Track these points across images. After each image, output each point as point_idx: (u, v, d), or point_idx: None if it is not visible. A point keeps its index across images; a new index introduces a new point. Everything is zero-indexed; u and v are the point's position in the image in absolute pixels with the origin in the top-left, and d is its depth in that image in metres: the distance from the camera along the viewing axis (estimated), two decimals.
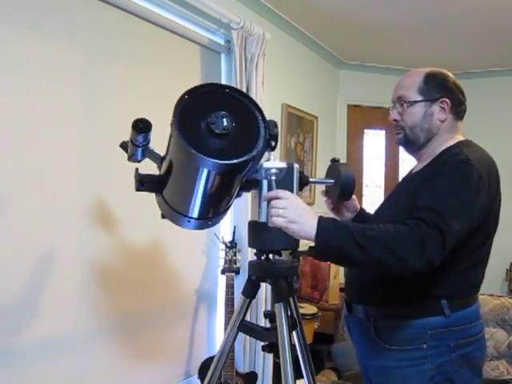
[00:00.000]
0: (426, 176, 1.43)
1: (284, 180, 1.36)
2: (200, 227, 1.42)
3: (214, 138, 1.14)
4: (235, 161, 1.12)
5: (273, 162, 1.21)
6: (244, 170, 1.17)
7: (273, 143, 1.19)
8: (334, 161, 1.57)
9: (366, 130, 4.51)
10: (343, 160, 4.22)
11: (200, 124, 1.15)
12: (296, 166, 1.42)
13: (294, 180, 1.40)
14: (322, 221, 1.27)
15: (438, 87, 1.49)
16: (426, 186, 1.38)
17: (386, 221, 1.46)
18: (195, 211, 1.33)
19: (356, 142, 4.48)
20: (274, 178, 1.22)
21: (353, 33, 3.57)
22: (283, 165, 1.22)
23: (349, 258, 1.28)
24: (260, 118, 1.19)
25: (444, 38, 3.59)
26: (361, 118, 4.44)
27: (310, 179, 1.48)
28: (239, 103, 1.20)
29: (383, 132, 4.50)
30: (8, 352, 1.69)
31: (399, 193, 1.58)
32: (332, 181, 1.53)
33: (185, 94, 1.18)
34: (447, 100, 1.48)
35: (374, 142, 4.53)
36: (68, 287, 1.89)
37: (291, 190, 1.38)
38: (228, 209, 1.41)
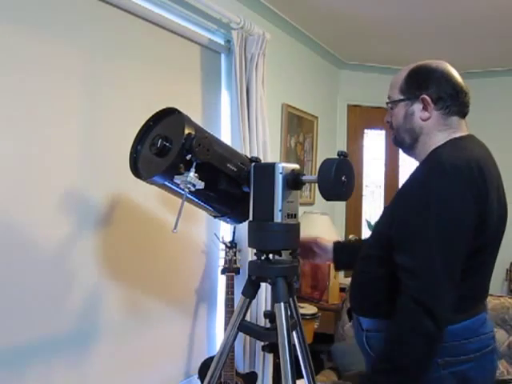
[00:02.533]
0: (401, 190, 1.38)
1: (264, 180, 1.36)
2: (236, 221, 1.56)
3: (158, 157, 1.31)
4: (163, 169, 1.29)
5: (186, 175, 1.28)
6: (175, 173, 1.30)
7: (188, 156, 1.27)
8: (338, 155, 1.37)
9: (366, 130, 4.50)
10: None
11: (146, 152, 1.36)
12: (281, 165, 1.38)
13: (274, 180, 1.37)
14: None
15: (419, 84, 1.38)
16: (395, 220, 1.31)
17: (375, 235, 1.48)
18: (211, 211, 1.51)
19: (356, 141, 4.48)
20: (186, 190, 1.30)
21: (353, 33, 3.57)
22: (191, 179, 1.28)
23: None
24: (186, 134, 1.28)
25: (444, 37, 3.59)
26: (361, 118, 4.44)
27: (303, 178, 1.42)
28: (179, 124, 1.32)
29: (383, 132, 4.50)
30: (7, 352, 1.69)
31: (393, 198, 1.48)
32: (313, 178, 1.40)
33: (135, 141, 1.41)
34: (426, 97, 1.36)
35: (374, 141, 4.53)
36: (67, 287, 1.89)
37: (272, 192, 1.36)
38: (234, 199, 1.49)
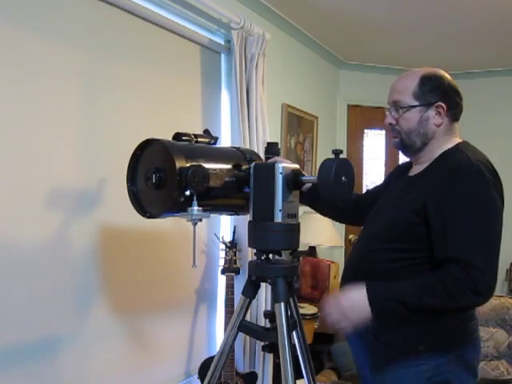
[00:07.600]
0: (434, 185, 1.41)
1: (264, 180, 1.36)
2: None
3: (157, 190, 1.29)
4: (166, 208, 1.33)
5: (190, 212, 1.28)
6: (178, 208, 1.32)
7: (187, 192, 1.27)
8: (333, 153, 1.35)
9: (365, 130, 4.51)
10: None
11: (143, 186, 1.35)
12: (281, 165, 1.36)
13: (275, 180, 1.36)
14: (372, 302, 1.34)
15: (434, 91, 1.46)
16: (448, 219, 1.35)
17: (388, 223, 1.49)
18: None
19: (356, 142, 4.48)
20: (194, 223, 1.31)
21: (353, 33, 3.57)
22: (196, 216, 1.28)
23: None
24: (178, 168, 1.27)
25: (444, 38, 3.59)
26: (361, 118, 4.44)
27: (303, 178, 1.40)
28: (166, 154, 1.30)
29: (383, 132, 4.50)
30: (7, 351, 1.69)
31: (399, 195, 1.53)
32: (313, 178, 1.39)
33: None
34: (443, 104, 1.45)
35: (374, 141, 4.53)
36: (68, 286, 1.89)
37: (272, 192, 1.36)
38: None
